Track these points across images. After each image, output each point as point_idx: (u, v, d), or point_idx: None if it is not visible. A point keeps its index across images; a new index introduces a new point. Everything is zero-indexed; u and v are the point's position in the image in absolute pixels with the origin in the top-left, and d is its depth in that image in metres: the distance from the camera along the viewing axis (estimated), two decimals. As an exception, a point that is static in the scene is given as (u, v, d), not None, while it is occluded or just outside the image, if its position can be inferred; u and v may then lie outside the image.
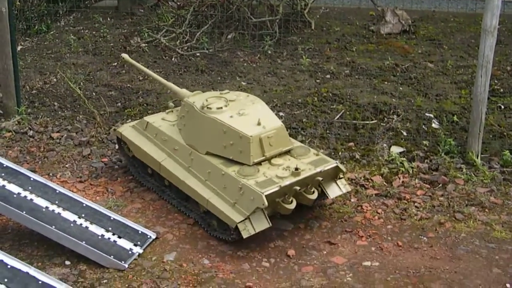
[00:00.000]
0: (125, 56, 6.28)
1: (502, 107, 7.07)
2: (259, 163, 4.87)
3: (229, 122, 4.88)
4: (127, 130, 5.72)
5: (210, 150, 4.99)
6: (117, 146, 6.13)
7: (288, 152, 5.04)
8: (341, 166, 5.01)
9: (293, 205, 4.74)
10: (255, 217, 4.59)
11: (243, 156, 4.83)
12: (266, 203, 4.48)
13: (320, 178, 4.83)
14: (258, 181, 4.65)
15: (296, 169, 4.74)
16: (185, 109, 5.25)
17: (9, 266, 4.16)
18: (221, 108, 5.01)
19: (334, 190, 5.07)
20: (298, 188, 4.68)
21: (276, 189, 4.60)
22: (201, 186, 4.94)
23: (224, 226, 4.77)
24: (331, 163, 4.94)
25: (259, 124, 4.88)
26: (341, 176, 5.09)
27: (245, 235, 4.58)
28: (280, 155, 4.98)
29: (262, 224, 4.63)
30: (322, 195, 5.06)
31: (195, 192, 4.95)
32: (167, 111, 5.74)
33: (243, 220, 4.58)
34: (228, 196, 4.73)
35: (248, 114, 4.97)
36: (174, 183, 5.20)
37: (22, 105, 6.95)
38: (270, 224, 4.65)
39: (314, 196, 4.89)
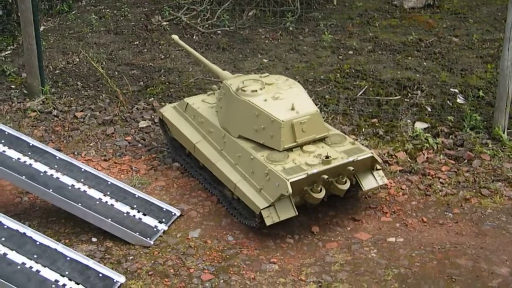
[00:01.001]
0: (175, 37, 6.17)
1: (529, 81, 6.91)
2: (290, 149, 4.74)
3: (262, 105, 4.78)
4: (168, 110, 5.69)
5: (242, 133, 4.91)
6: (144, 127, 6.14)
7: (322, 140, 4.88)
8: (377, 157, 4.80)
9: (321, 195, 4.59)
10: (280, 204, 4.49)
11: (274, 141, 4.73)
12: (291, 190, 4.36)
13: (352, 168, 4.63)
14: (285, 168, 4.53)
15: (327, 157, 4.59)
16: (223, 91, 5.16)
17: (38, 243, 4.24)
18: (256, 91, 4.90)
19: (370, 182, 4.86)
20: (326, 177, 4.51)
21: (303, 176, 4.47)
22: (231, 169, 4.87)
23: (251, 212, 4.68)
24: (366, 153, 4.75)
25: (292, 109, 4.75)
26: (379, 167, 4.89)
27: (268, 222, 4.49)
28: (313, 142, 4.83)
29: (287, 212, 4.51)
30: (356, 186, 4.88)
31: (224, 175, 4.89)
32: (208, 93, 5.68)
33: (267, 207, 4.48)
34: (255, 182, 4.64)
35: (283, 99, 4.84)
36: (206, 166, 5.17)
37: (46, 85, 7.01)
38: (297, 213, 4.53)
39: (346, 186, 4.71)
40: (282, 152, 4.71)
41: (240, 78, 5.27)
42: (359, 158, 4.69)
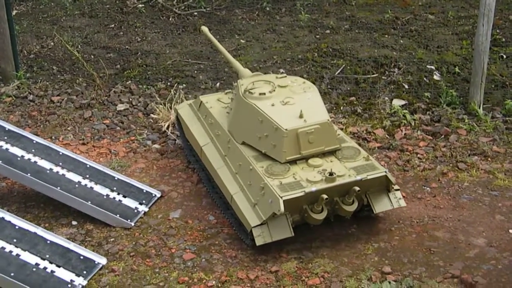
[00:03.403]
0: (204, 29, 5.76)
1: (504, 56, 7.02)
2: (294, 162, 4.27)
3: (267, 110, 4.32)
4: (184, 108, 5.31)
5: (246, 140, 4.47)
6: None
7: (333, 152, 4.37)
8: (391, 177, 4.25)
9: (322, 216, 4.11)
10: (275, 223, 4.05)
11: (276, 152, 4.26)
12: (283, 209, 3.91)
13: (357, 189, 4.08)
14: (282, 183, 4.08)
15: (331, 174, 4.09)
16: (234, 91, 4.78)
17: (17, 227, 4.21)
18: (264, 94, 4.45)
19: (383, 204, 4.33)
20: (325, 197, 4.00)
21: (300, 194, 3.99)
22: (230, 179, 4.43)
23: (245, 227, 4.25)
24: (378, 172, 4.20)
25: (301, 116, 4.27)
26: (395, 187, 4.36)
27: (258, 242, 4.05)
28: (322, 155, 4.33)
29: (282, 232, 4.06)
30: (367, 207, 4.38)
31: (223, 184, 4.46)
32: (226, 91, 5.24)
33: (259, 225, 4.06)
34: (251, 195, 4.20)
35: (293, 104, 4.37)
36: (210, 172, 4.73)
37: (20, 70, 6.91)
38: (292, 234, 4.08)
39: (352, 208, 4.19)
40: (284, 165, 4.24)
41: (254, 78, 4.81)
42: (369, 177, 4.15)
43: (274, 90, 4.52)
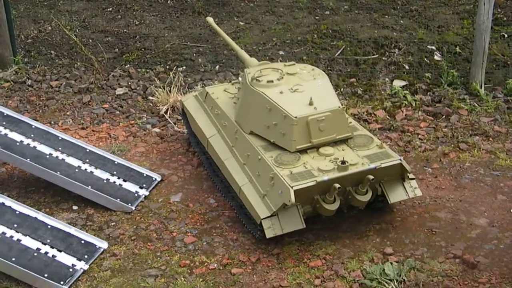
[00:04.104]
0: (209, 19, 5.56)
1: (506, 36, 6.96)
2: (304, 151, 4.13)
3: (276, 98, 4.17)
4: (189, 100, 5.16)
5: (254, 129, 4.32)
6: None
7: (345, 141, 4.23)
8: (406, 165, 4.10)
9: (334, 206, 3.97)
10: (285, 214, 3.91)
11: (285, 140, 4.12)
12: (293, 200, 3.76)
13: (371, 177, 3.93)
14: (293, 172, 3.93)
15: (343, 162, 3.95)
16: (241, 80, 4.61)
17: (17, 212, 4.20)
18: (272, 81, 4.30)
19: (398, 194, 4.18)
20: (338, 186, 3.86)
21: (311, 184, 3.85)
22: (238, 170, 4.29)
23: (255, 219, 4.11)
24: (393, 160, 4.06)
25: (310, 104, 4.12)
26: (410, 176, 4.19)
27: (268, 234, 3.92)
28: (333, 143, 4.19)
29: (293, 224, 3.92)
30: (382, 197, 4.23)
31: (230, 176, 4.32)
32: (233, 82, 5.11)
33: (269, 216, 3.93)
34: (260, 186, 4.07)
35: (302, 91, 4.22)
36: (217, 164, 4.60)
37: (18, 55, 6.86)
38: (304, 226, 3.95)
39: (366, 198, 4.05)
40: (294, 154, 4.09)
41: (261, 66, 4.65)
42: (383, 166, 4.01)
43: (283, 78, 4.37)
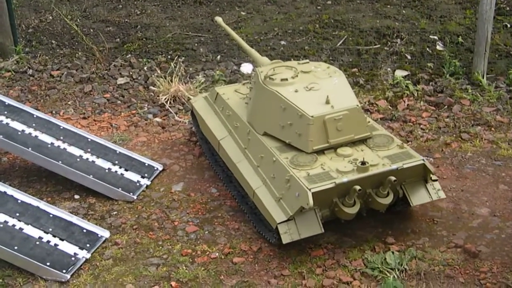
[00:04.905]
0: (218, 19, 5.37)
1: (508, 25, 6.93)
2: (321, 152, 3.98)
3: (291, 97, 4.01)
4: (199, 101, 5.01)
5: (268, 130, 4.17)
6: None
7: (363, 141, 4.08)
8: (429, 165, 3.94)
9: (354, 209, 3.82)
10: (303, 218, 3.75)
11: (301, 141, 3.97)
12: (312, 203, 3.60)
13: (393, 179, 3.77)
14: (310, 174, 3.78)
15: (363, 163, 3.79)
16: (253, 79, 4.42)
17: (19, 201, 4.20)
18: (286, 79, 4.14)
19: (420, 196, 4.01)
20: (358, 188, 3.71)
21: (330, 186, 3.69)
22: (252, 173, 4.13)
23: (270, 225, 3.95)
24: (415, 160, 3.90)
25: (327, 102, 3.97)
26: (433, 178, 4.03)
27: (285, 240, 3.75)
28: (351, 143, 4.05)
29: (311, 228, 3.76)
30: (404, 200, 4.07)
31: (244, 179, 4.17)
32: (243, 82, 4.96)
33: (285, 221, 3.77)
34: (275, 189, 3.91)
35: (318, 90, 4.06)
36: (229, 167, 4.45)
37: (19, 44, 6.84)
38: (323, 230, 3.78)
39: (387, 200, 3.88)
40: (310, 155, 3.94)
41: (274, 65, 4.50)
42: (405, 166, 3.85)
43: (297, 76, 4.21)
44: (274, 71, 4.27)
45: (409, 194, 4.00)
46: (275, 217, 3.79)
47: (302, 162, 3.89)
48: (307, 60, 4.50)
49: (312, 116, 3.90)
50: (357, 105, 4.02)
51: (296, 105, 3.96)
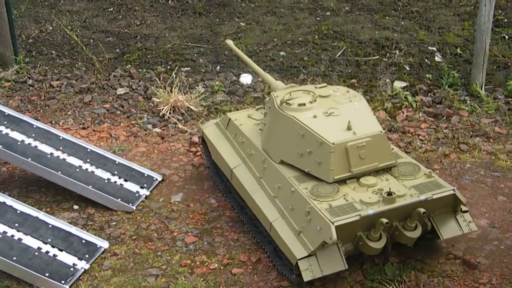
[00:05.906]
0: (229, 42, 5.17)
1: (506, 37, 6.96)
2: (343, 181, 3.75)
3: (310, 123, 3.78)
4: (209, 128, 4.77)
5: (285, 158, 3.95)
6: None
7: (388, 170, 3.86)
8: (460, 196, 3.72)
9: (380, 244, 3.56)
10: (324, 254, 3.49)
11: (322, 170, 3.73)
12: (335, 237, 3.36)
13: (423, 211, 3.55)
14: (332, 206, 3.55)
15: (389, 193, 3.56)
16: (268, 105, 4.22)
17: (18, 212, 4.20)
18: (304, 105, 3.91)
19: (451, 229, 3.77)
20: (385, 221, 3.46)
21: (354, 219, 3.47)
22: (268, 204, 3.90)
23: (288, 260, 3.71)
24: (445, 190, 3.68)
25: (349, 128, 3.75)
26: (464, 209, 3.79)
27: (306, 277, 3.49)
28: (375, 172, 3.82)
29: (333, 264, 3.50)
30: (432, 232, 3.84)
31: (260, 211, 3.93)
32: (257, 107, 4.73)
33: (306, 257, 3.53)
34: (294, 221, 3.67)
35: (338, 115, 3.85)
36: (243, 198, 4.22)
37: (19, 55, 6.86)
38: (346, 266, 3.53)
39: (416, 234, 3.63)
40: (332, 185, 3.71)
41: (291, 89, 4.28)
42: (434, 197, 3.63)
43: (315, 101, 3.98)
44: (290, 96, 4.06)
45: (438, 226, 3.77)
46: (295, 253, 3.56)
47: (323, 192, 3.66)
48: (325, 84, 4.30)
49: (333, 143, 3.67)
50: (381, 131, 3.80)
51: (315, 132, 3.75)
